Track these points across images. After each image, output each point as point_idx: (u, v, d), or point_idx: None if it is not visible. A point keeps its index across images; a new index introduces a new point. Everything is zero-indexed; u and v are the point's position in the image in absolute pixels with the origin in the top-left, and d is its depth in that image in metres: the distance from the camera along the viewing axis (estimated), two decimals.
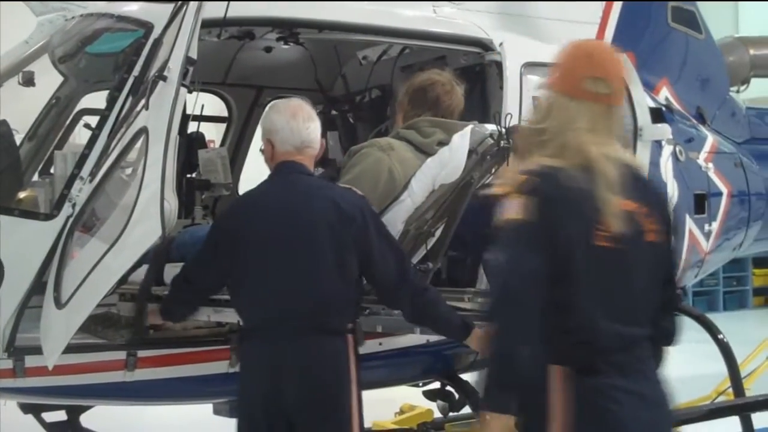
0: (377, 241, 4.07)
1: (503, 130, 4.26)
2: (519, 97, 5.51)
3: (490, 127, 4.52)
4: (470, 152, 4.46)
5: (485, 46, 5.57)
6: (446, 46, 5.62)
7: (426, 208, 4.51)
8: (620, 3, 6.66)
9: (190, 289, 4.24)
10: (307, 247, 3.98)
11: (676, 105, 6.93)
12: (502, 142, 4.31)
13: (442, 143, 4.57)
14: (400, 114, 4.95)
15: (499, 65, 5.52)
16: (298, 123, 4.09)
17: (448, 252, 5.41)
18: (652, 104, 6.38)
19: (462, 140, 4.46)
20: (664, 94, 6.92)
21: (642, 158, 5.96)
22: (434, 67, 5.92)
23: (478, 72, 5.68)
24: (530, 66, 5.62)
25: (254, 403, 4.01)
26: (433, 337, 5.24)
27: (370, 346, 5.11)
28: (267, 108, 4.39)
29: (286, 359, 3.93)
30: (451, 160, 4.43)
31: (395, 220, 4.43)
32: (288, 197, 4.05)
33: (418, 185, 4.45)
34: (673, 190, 6.44)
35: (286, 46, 5.84)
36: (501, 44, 5.54)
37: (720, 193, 6.85)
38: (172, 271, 4.50)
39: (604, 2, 6.61)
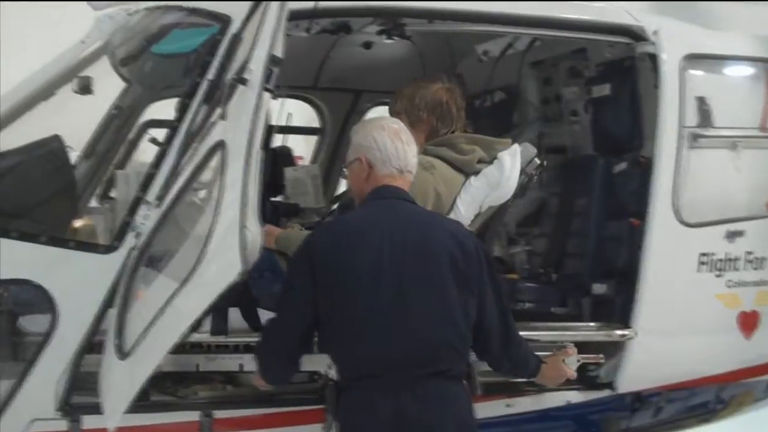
0: (491, 287, 4.23)
1: None
2: (679, 97, 5.46)
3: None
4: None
5: (636, 35, 5.53)
6: (587, 36, 5.58)
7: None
8: None
9: (287, 342, 4.26)
10: (432, 284, 4.08)
11: None
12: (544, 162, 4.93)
13: (482, 161, 4.86)
14: (422, 131, 5.02)
15: (653, 58, 5.48)
16: (403, 144, 4.28)
17: (594, 288, 5.44)
18: None
19: (514, 160, 4.86)
20: None
21: None
22: (573, 62, 5.92)
23: (627, 67, 5.64)
24: (692, 59, 5.58)
25: None
26: (575, 398, 5.22)
27: (496, 408, 5.11)
28: (360, 123, 4.45)
29: (409, 410, 3.99)
30: (503, 181, 4.82)
31: None
32: (402, 226, 4.14)
33: (465, 208, 4.78)
34: None
35: (389, 41, 5.87)
36: (655, 32, 5.50)
37: None
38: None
39: None
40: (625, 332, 5.36)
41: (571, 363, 4.72)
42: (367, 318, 4.03)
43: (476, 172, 4.84)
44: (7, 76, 5.47)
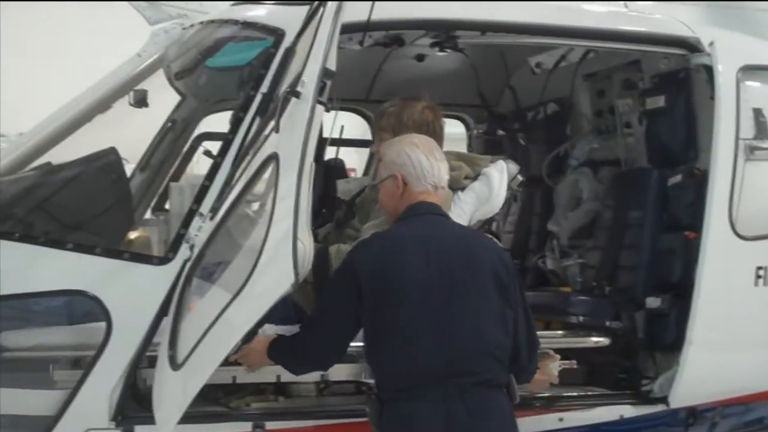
0: (522, 304, 4.29)
1: None
2: (735, 109, 5.40)
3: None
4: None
5: (691, 46, 5.49)
6: (642, 47, 5.55)
7: None
8: None
9: (325, 353, 4.30)
10: (477, 296, 4.13)
11: None
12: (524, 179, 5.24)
13: (468, 177, 4.94)
14: None
15: (709, 70, 5.43)
16: (437, 161, 4.31)
17: (648, 302, 5.38)
18: None
19: (501, 176, 4.97)
20: None
21: None
22: (627, 74, 5.87)
23: (682, 79, 5.60)
24: (749, 70, 5.53)
25: None
26: (628, 413, 5.18)
27: (548, 422, 5.07)
28: (392, 140, 4.45)
29: (459, 419, 4.01)
30: (492, 196, 4.92)
31: None
32: (445, 241, 4.18)
33: (457, 221, 4.75)
34: None
35: (442, 53, 5.87)
36: (711, 43, 5.45)
37: None
38: None
39: None
40: (600, 339, 5.49)
41: (554, 368, 4.86)
42: (416, 330, 4.06)
43: (462, 188, 4.88)
44: (60, 89, 5.54)
